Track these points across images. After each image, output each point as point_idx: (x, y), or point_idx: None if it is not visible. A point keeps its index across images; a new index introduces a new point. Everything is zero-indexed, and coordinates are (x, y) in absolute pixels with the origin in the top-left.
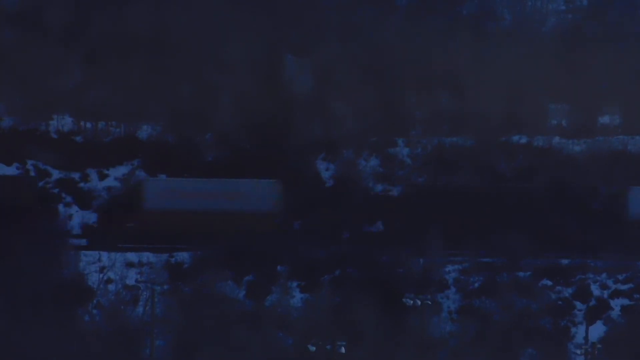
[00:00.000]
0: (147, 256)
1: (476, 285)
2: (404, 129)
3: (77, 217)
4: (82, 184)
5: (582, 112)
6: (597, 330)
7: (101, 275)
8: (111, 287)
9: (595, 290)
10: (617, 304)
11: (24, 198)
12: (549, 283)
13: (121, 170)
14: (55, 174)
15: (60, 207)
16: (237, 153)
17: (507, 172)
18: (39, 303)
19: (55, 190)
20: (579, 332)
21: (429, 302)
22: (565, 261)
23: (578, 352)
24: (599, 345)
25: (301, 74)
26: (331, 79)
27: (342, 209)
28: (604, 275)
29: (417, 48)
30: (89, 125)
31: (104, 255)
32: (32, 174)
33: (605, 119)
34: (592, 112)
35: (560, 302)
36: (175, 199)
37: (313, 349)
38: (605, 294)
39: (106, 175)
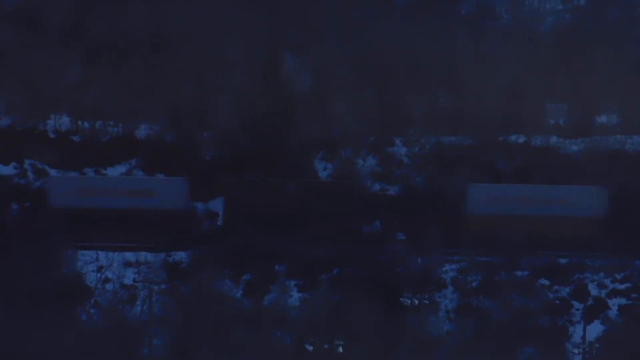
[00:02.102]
0: (145, 255)
1: (474, 284)
2: (402, 128)
3: None
4: None
5: (579, 112)
6: (595, 329)
7: (99, 275)
8: (109, 286)
9: (593, 289)
10: (614, 303)
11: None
12: (547, 282)
13: (119, 170)
14: (53, 174)
15: None
16: (235, 152)
17: (506, 171)
18: (38, 302)
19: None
20: (577, 331)
21: (427, 302)
22: (563, 260)
23: (576, 351)
24: (596, 345)
25: (300, 73)
26: (330, 78)
27: (339, 208)
28: (601, 274)
29: (416, 47)
30: (86, 124)
31: (102, 254)
32: (30, 173)
33: (602, 119)
34: (590, 111)
35: (558, 302)
36: (498, 204)
37: (311, 348)
38: (603, 293)
39: (104, 175)
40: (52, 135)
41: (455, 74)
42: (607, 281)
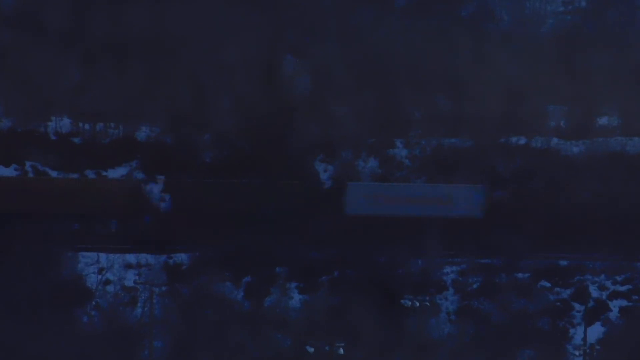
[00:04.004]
0: (146, 257)
1: (474, 286)
2: (403, 130)
3: None
4: None
5: (580, 114)
6: (596, 331)
7: (100, 277)
8: (109, 288)
9: (594, 291)
10: (615, 305)
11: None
12: (548, 284)
13: (119, 172)
14: (54, 175)
15: None
16: (235, 154)
17: (506, 173)
18: (38, 304)
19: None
20: (578, 333)
21: (427, 304)
22: (563, 262)
23: (576, 353)
24: (597, 347)
25: (300, 75)
26: (330, 80)
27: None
28: (602, 276)
29: (416, 49)
30: (87, 126)
31: (103, 256)
32: (31, 175)
33: (603, 120)
34: (591, 113)
35: (558, 303)
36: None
37: (311, 350)
38: (604, 295)
39: (104, 177)
40: (52, 137)
41: (455, 76)
42: (608, 283)
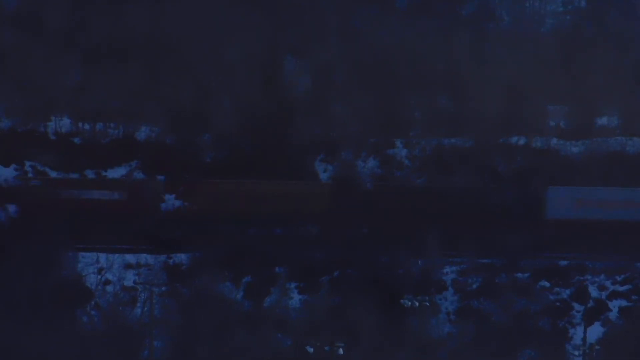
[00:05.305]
0: (146, 257)
1: (474, 286)
2: (403, 130)
3: None
4: None
5: (580, 113)
6: (595, 331)
7: (99, 277)
8: (109, 288)
9: (594, 291)
10: (615, 305)
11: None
12: (547, 284)
13: (119, 172)
14: (54, 176)
15: None
16: (235, 154)
17: (506, 173)
18: (38, 304)
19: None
20: (577, 333)
21: (427, 304)
22: (563, 262)
23: (576, 353)
24: (597, 347)
25: (300, 75)
26: (330, 80)
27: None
28: (602, 276)
29: (416, 49)
30: (87, 126)
31: (102, 256)
32: (30, 175)
33: (603, 120)
34: (591, 113)
35: (558, 303)
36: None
37: (311, 350)
38: (604, 295)
39: (104, 177)
40: (52, 137)
41: (455, 76)
42: (608, 283)
